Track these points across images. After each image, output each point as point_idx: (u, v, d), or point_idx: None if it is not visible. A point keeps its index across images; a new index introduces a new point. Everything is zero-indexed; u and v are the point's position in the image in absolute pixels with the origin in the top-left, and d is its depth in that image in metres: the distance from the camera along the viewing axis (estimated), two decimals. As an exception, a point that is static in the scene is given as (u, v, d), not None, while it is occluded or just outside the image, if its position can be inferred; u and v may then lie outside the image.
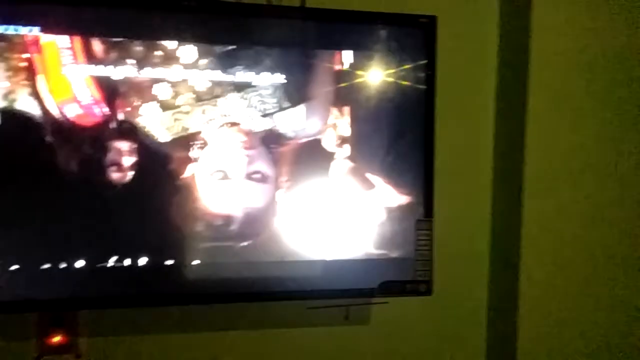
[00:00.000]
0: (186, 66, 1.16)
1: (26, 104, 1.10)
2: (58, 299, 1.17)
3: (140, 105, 1.14)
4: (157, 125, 1.15)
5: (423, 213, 1.26)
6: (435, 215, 1.28)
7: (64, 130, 1.12)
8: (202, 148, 1.18)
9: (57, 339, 1.27)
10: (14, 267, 1.12)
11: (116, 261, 1.15)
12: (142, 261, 1.17)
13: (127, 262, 1.16)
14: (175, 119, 1.16)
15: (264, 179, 1.21)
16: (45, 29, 1.10)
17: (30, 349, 1.26)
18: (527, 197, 1.36)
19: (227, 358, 1.37)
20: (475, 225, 1.46)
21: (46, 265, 1.13)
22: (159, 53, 1.14)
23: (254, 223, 1.21)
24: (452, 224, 1.39)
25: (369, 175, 1.25)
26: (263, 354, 1.39)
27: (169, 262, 1.18)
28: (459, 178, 1.43)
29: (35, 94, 1.10)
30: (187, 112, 1.16)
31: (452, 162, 1.39)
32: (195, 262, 1.19)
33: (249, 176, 1.20)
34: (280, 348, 1.40)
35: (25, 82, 1.10)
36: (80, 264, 1.14)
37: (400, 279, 1.27)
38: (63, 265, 1.13)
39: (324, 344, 1.41)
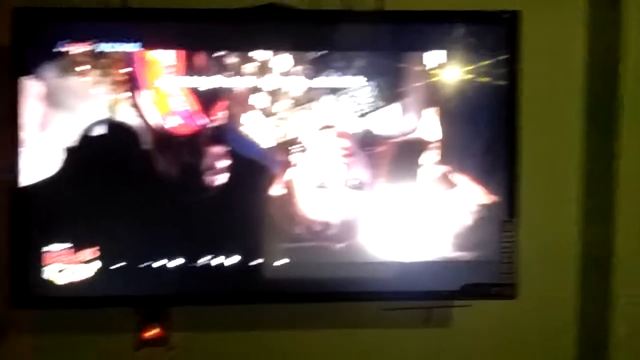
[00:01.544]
0: (281, 74, 1.21)
1: (130, 115, 1.19)
2: (154, 295, 1.25)
3: (241, 114, 1.21)
4: (259, 132, 1.21)
5: (508, 214, 1.23)
6: (522, 216, 1.24)
7: (166, 139, 1.20)
8: (301, 153, 1.22)
9: (153, 332, 1.35)
10: (116, 265, 1.21)
11: (208, 260, 1.22)
12: (232, 260, 1.22)
13: (217, 261, 1.22)
14: (276, 125, 1.21)
15: (360, 186, 1.23)
16: (148, 45, 1.19)
17: (130, 341, 1.36)
18: (620, 197, 1.28)
19: (308, 356, 1.41)
20: (564, 226, 1.40)
21: (145, 264, 1.21)
22: (255, 63, 1.20)
23: (348, 227, 1.23)
24: (539, 224, 1.35)
25: (454, 175, 1.23)
26: (342, 353, 1.41)
27: (256, 262, 1.23)
28: (547, 177, 1.39)
29: (139, 106, 1.19)
30: (285, 118, 1.21)
31: (539, 161, 1.35)
32: (282, 262, 1.23)
33: (346, 184, 1.23)
34: (359, 349, 1.41)
35: (130, 95, 1.19)
36: (179, 262, 1.22)
37: (483, 281, 1.24)
38: (161, 263, 1.21)
39: (404, 346, 1.41)
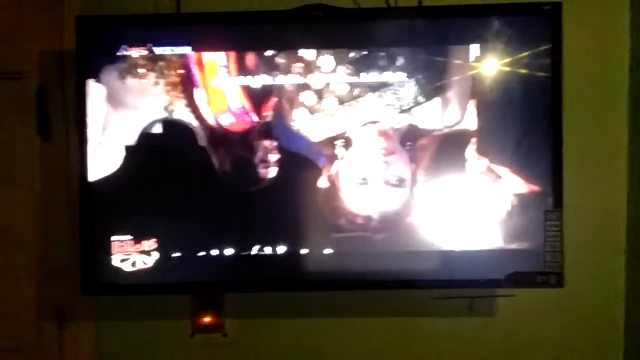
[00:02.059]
0: (326, 72, 1.26)
1: (185, 114, 1.27)
2: (209, 283, 1.32)
3: (289, 111, 1.26)
4: (306, 127, 1.27)
5: (552, 204, 1.24)
6: (567, 206, 1.24)
7: (220, 136, 1.27)
8: (346, 148, 1.27)
9: (207, 319, 1.43)
10: (175, 254, 1.29)
11: (259, 249, 1.28)
12: (281, 250, 1.28)
13: (268, 250, 1.28)
14: (322, 121, 1.26)
15: (400, 183, 1.27)
16: (201, 48, 1.26)
17: (186, 328, 1.44)
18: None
19: (353, 343, 1.44)
20: (610, 215, 1.40)
21: (201, 253, 1.28)
22: (302, 62, 1.26)
23: (389, 220, 1.27)
24: (584, 214, 1.35)
25: (497, 167, 1.25)
26: (388, 340, 1.44)
27: (304, 251, 1.28)
28: (591, 166, 1.39)
29: (194, 105, 1.26)
30: (332, 114, 1.26)
31: (584, 151, 1.36)
32: (329, 251, 1.28)
33: (387, 181, 1.27)
34: (405, 336, 1.44)
35: (185, 95, 1.26)
36: (231, 251, 1.28)
37: (529, 270, 1.25)
38: (215, 252, 1.28)
39: (448, 334, 1.43)
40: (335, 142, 1.27)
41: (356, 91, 1.26)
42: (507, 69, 1.24)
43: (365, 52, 1.25)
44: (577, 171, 1.32)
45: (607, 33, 1.39)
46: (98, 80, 1.26)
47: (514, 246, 1.26)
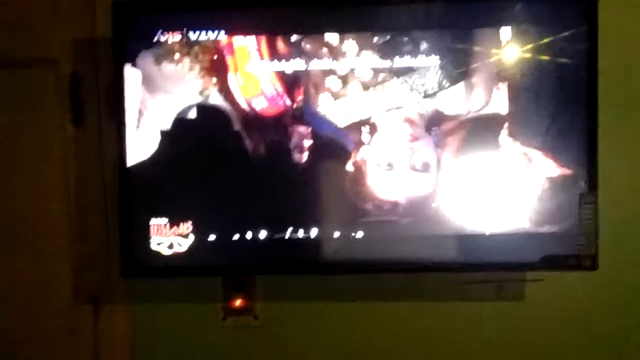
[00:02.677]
0: (355, 56, 1.26)
1: (219, 99, 1.28)
2: (243, 265, 1.34)
3: (318, 96, 1.27)
4: (332, 112, 1.28)
5: (586, 186, 1.24)
6: (600, 188, 1.24)
7: (252, 120, 1.28)
8: (371, 133, 1.28)
9: (238, 302, 1.45)
10: (209, 238, 1.31)
11: (292, 232, 1.29)
12: (313, 233, 1.29)
13: (300, 233, 1.29)
14: (350, 106, 1.27)
15: (426, 168, 1.27)
16: (232, 32, 1.27)
17: (217, 311, 1.46)
18: None
19: (381, 326, 1.46)
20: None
21: (235, 237, 1.30)
22: (331, 46, 1.26)
23: (418, 205, 1.28)
24: (618, 196, 1.34)
25: (529, 150, 1.25)
26: (416, 324, 1.45)
27: (335, 234, 1.29)
28: (627, 148, 1.38)
29: (227, 90, 1.28)
30: (361, 99, 1.27)
31: (619, 133, 1.35)
32: (359, 235, 1.29)
33: (412, 167, 1.28)
34: (432, 320, 1.45)
35: (218, 80, 1.28)
36: (262, 234, 1.30)
37: (562, 253, 1.26)
38: (249, 235, 1.30)
39: (476, 319, 1.44)
40: (361, 127, 1.27)
41: (384, 75, 1.26)
42: (539, 51, 1.23)
43: (393, 36, 1.25)
44: (612, 153, 1.31)
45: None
46: (134, 66, 1.28)
47: (547, 229, 1.26)
